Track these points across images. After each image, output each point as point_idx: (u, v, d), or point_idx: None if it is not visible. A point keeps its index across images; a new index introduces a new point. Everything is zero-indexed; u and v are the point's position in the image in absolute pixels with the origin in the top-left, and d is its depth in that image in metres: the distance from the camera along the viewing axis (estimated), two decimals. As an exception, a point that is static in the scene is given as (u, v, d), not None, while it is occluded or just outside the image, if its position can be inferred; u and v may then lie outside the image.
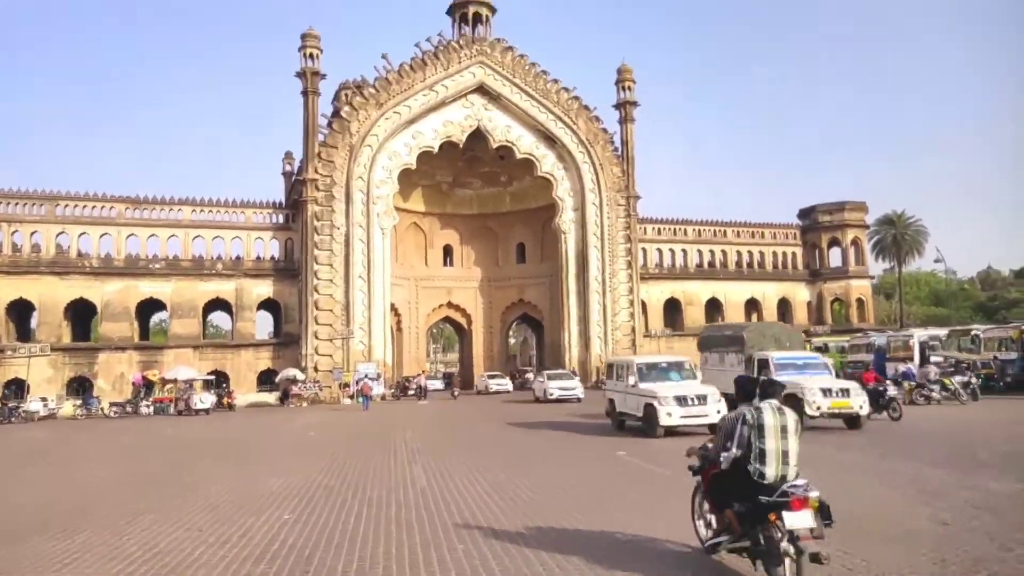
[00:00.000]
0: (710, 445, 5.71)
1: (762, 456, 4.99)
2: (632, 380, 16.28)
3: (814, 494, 4.77)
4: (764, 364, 17.14)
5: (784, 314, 54.58)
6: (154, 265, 40.71)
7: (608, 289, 46.04)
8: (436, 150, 44.45)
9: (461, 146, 45.51)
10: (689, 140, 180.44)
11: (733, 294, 52.65)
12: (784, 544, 4.66)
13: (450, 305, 51.22)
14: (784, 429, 5.03)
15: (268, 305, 44.18)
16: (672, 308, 51.61)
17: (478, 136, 45.29)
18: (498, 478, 10.73)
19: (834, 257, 55.52)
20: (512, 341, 67.32)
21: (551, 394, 30.39)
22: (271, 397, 37.61)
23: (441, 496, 9.37)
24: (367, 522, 7.94)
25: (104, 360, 39.16)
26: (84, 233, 39.73)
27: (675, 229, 52.19)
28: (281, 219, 43.73)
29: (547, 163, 46.49)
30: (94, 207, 39.83)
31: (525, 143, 45.87)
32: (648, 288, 49.10)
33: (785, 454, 4.99)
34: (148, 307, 41.67)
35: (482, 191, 51.25)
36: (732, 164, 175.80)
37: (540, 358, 55.61)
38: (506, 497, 9.14)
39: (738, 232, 53.70)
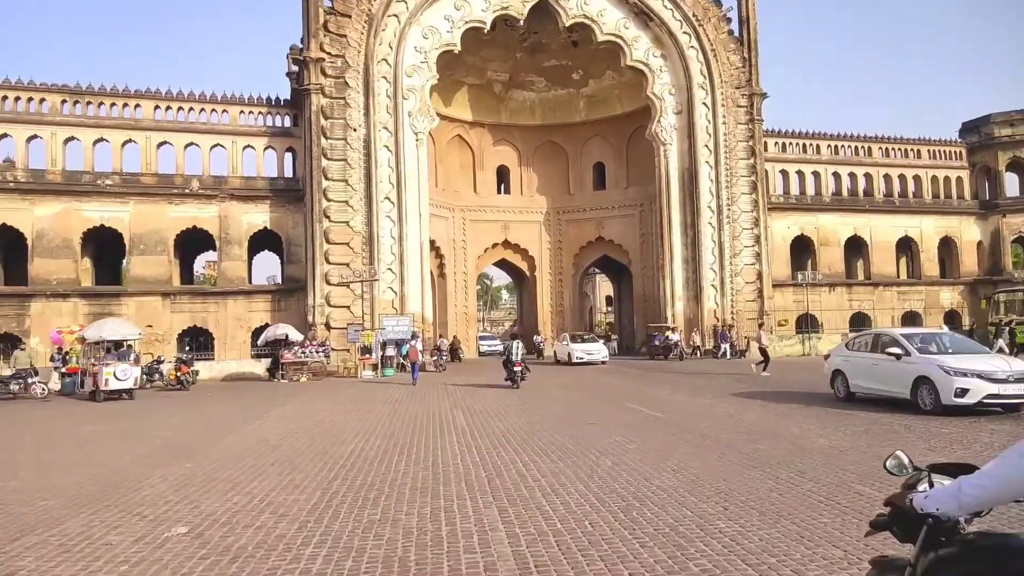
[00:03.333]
0: None
1: None
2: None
3: None
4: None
5: (946, 258, 41.43)
6: (104, 181, 29.48)
7: (726, 221, 33.57)
8: (488, 28, 32.13)
9: (522, 23, 33.06)
10: (814, 38, 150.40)
11: (881, 231, 39.67)
12: None
13: (507, 245, 39.32)
14: None
15: (266, 240, 32.80)
16: (800, 249, 38.91)
17: (543, 11, 32.80)
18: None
19: (1011, 184, 41.97)
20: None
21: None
22: (262, 366, 26.27)
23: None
24: None
25: (39, 311, 28.33)
26: (4, 135, 28.62)
27: (804, 145, 39.15)
28: (281, 121, 32.04)
29: (639, 48, 33.78)
30: (17, 98, 28.59)
31: (609, 20, 33.20)
32: (769, 222, 36.38)
33: None
34: (102, 240, 30.60)
35: (548, 93, 38.78)
36: (868, 73, 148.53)
37: (623, 315, 43.52)
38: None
39: (886, 150, 40.43)
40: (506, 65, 36.87)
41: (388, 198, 29.94)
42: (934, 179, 40.93)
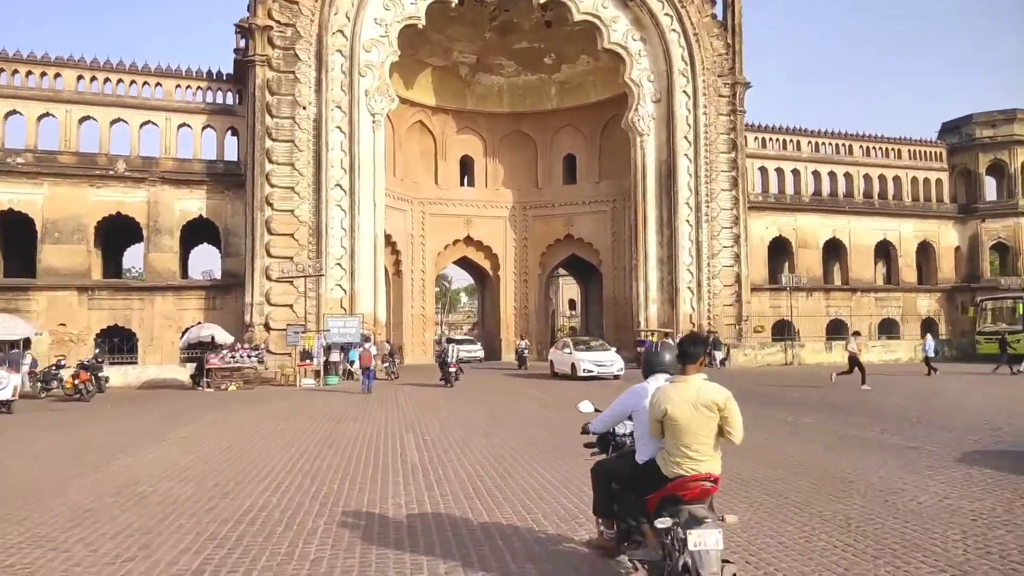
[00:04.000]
0: None
1: None
2: None
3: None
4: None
5: (923, 263, 40.08)
6: (15, 159, 25.98)
7: (704, 219, 31.40)
8: (455, 2, 29.41)
9: (491, 1, 30.47)
10: (795, 37, 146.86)
11: (860, 234, 38.04)
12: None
13: (469, 241, 36.61)
14: None
15: (202, 231, 29.56)
16: (778, 251, 37.06)
17: (517, -13, 30.29)
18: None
19: (990, 188, 40.81)
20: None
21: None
22: (187, 372, 22.96)
23: None
24: None
25: (-69, 306, 24.71)
26: None
27: (783, 141, 37.32)
28: (223, 98, 28.84)
29: (617, 30, 31.40)
30: (-91, 60, 24.94)
31: None
32: (748, 222, 34.37)
33: None
34: (10, 226, 27.00)
35: (517, 79, 36.22)
36: (847, 70, 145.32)
37: (590, 319, 41.16)
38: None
39: (867, 149, 38.86)
40: (474, 46, 34.19)
41: (340, 185, 27.00)
42: (914, 180, 39.51)
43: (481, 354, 35.86)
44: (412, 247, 34.86)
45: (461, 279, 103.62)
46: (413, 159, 35.14)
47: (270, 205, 26.11)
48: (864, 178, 38.56)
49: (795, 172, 37.32)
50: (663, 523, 3.59)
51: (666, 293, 31.38)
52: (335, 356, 23.05)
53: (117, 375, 21.63)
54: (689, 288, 31.20)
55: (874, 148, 38.90)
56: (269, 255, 26.05)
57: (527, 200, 36.94)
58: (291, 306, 25.98)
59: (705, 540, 3.46)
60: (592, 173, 36.41)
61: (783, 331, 34.69)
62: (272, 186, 26.10)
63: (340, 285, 27.10)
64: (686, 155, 31.64)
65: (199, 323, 27.42)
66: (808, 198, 37.34)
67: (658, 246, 31.58)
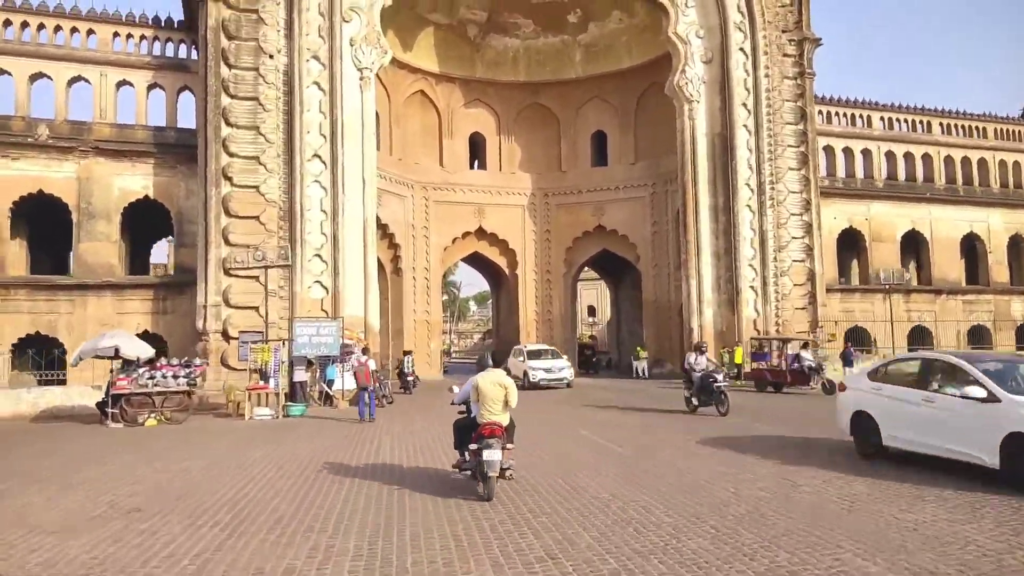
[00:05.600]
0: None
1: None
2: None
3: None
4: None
5: (1014, 261, 34.09)
6: (-99, 121, 20.43)
7: (769, 204, 25.59)
8: (465, -63, 23.81)
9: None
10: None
11: (943, 226, 32.15)
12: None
13: (481, 234, 30.83)
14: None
15: (151, 215, 23.88)
16: (848, 244, 31.20)
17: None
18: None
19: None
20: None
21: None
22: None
23: None
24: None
25: None
26: None
27: (852, 115, 31.55)
28: (175, 50, 23.34)
29: (660, -24, 25.78)
30: None
31: (622, -61, 25.10)
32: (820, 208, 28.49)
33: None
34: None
35: (536, 41, 30.55)
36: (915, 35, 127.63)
37: (623, 327, 35.21)
38: None
39: (948, 126, 33.03)
40: (484, 0, 28.56)
41: (319, 156, 21.33)
42: (1001, 164, 33.63)
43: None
44: (414, 240, 29.11)
45: (470, 285, 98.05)
46: (413, 136, 29.45)
47: (228, 179, 20.46)
48: (945, 161, 32.69)
49: (865, 152, 31.51)
50: (474, 447, 6.97)
51: (724, 294, 25.51)
52: (300, 374, 17.19)
53: (5, 401, 15.86)
54: (752, 287, 25.33)
55: (956, 126, 33.05)
56: (228, 243, 20.38)
57: (549, 186, 31.17)
58: (257, 308, 20.24)
59: (491, 455, 6.79)
60: (626, 153, 30.63)
61: (857, 340, 28.71)
62: (231, 155, 20.46)
63: (320, 282, 21.42)
64: (745, 126, 25.87)
65: (155, 329, 22.04)
66: (882, 183, 31.48)
67: (713, 237, 25.75)
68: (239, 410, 14.95)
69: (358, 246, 22.01)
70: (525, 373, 22.93)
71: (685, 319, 25.81)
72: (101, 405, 14.27)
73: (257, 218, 20.59)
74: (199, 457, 10.18)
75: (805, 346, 21.20)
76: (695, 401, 14.37)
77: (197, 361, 15.60)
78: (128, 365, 14.52)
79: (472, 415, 7.31)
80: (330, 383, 18.18)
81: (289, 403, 15.44)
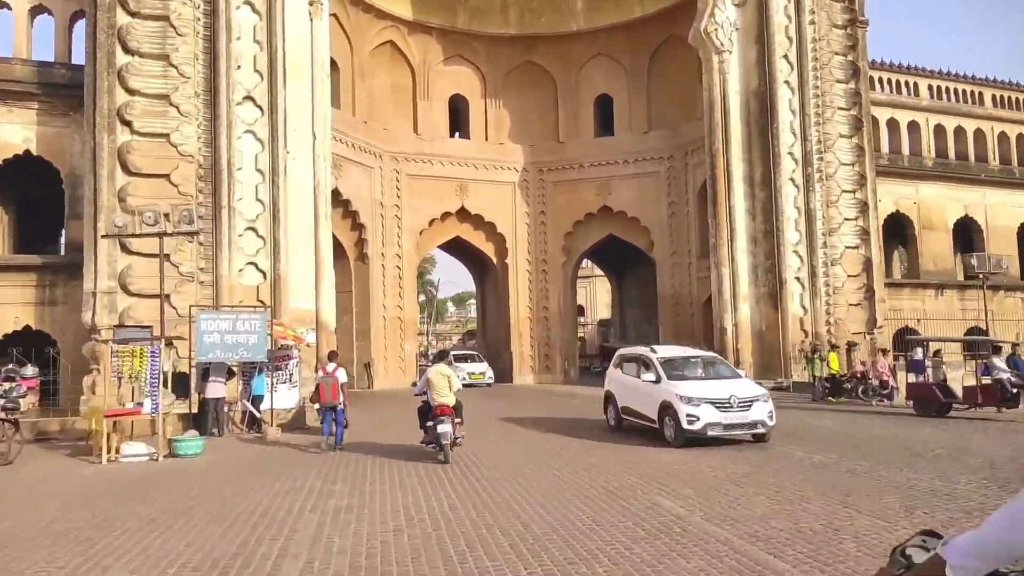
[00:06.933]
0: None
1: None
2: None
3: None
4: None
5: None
6: None
7: (817, 176, 20.91)
8: None
9: None
10: None
11: (999, 212, 27.89)
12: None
13: (464, 215, 25.87)
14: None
15: (36, 176, 18.54)
16: (895, 231, 26.74)
17: None
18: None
19: None
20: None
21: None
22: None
23: None
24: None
25: None
26: None
27: (896, 81, 27.11)
28: (67, -32, 18.03)
29: (685, -100, 21.03)
30: None
31: None
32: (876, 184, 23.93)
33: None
34: None
35: (532, -13, 25.70)
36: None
37: (627, 326, 30.34)
38: None
39: (1000, 98, 28.75)
40: (469, -68, 23.68)
41: (252, 99, 16.24)
42: (1059, 143, 29.39)
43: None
44: (383, 220, 24.06)
45: (450, 283, 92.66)
46: (382, 96, 24.43)
47: (127, 124, 15.30)
48: (999, 138, 28.38)
49: (912, 126, 27.09)
50: (430, 423, 9.15)
51: (764, 286, 20.76)
52: (215, 389, 12.06)
53: None
54: (798, 279, 20.61)
55: (1011, 98, 28.77)
56: (126, 210, 15.14)
57: (544, 159, 26.28)
58: (168, 297, 15.00)
59: (443, 428, 8.98)
60: (637, 120, 25.84)
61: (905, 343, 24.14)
62: (130, 92, 15.31)
63: (256, 264, 16.37)
64: (787, 83, 21.18)
65: (39, 322, 16.91)
66: (931, 162, 27.06)
67: (749, 217, 21.04)
68: (100, 446, 9.79)
69: (307, 219, 17.00)
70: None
71: (716, 316, 21.01)
72: None
73: (167, 177, 15.46)
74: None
75: (998, 350, 15.74)
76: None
77: (29, 372, 10.42)
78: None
79: (425, 402, 9.55)
80: (256, 401, 13.06)
81: (177, 437, 10.25)
